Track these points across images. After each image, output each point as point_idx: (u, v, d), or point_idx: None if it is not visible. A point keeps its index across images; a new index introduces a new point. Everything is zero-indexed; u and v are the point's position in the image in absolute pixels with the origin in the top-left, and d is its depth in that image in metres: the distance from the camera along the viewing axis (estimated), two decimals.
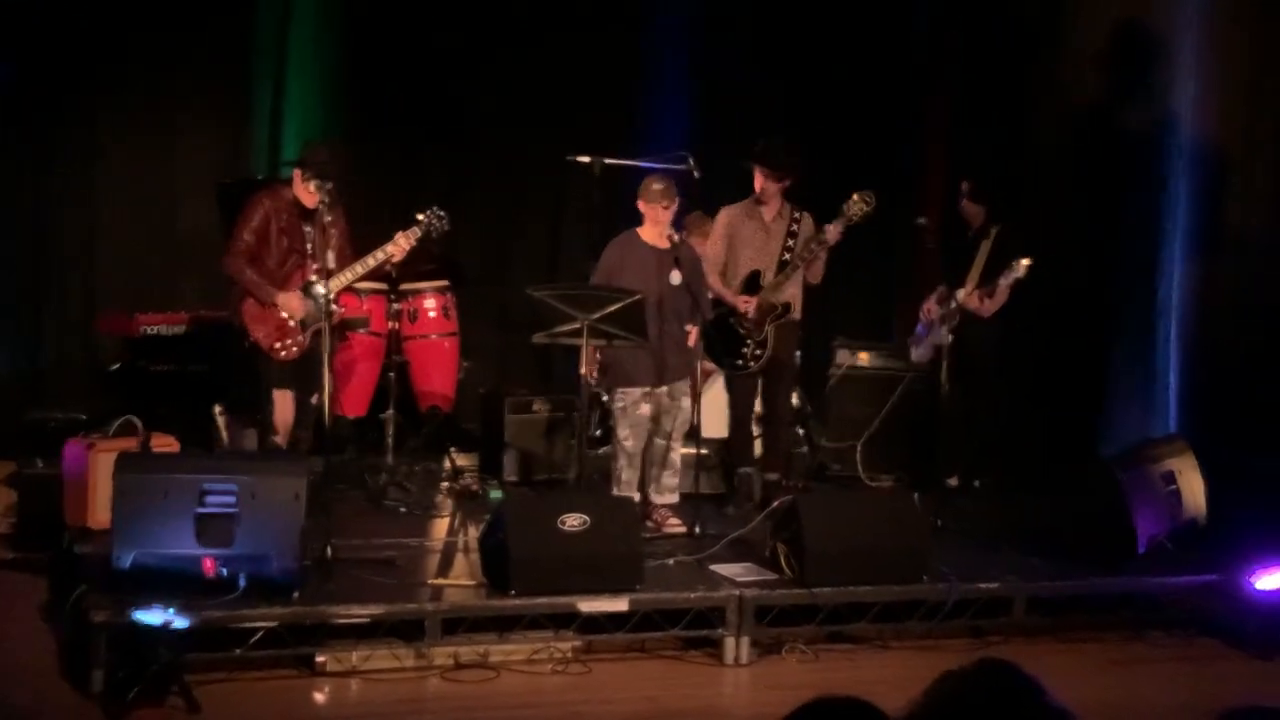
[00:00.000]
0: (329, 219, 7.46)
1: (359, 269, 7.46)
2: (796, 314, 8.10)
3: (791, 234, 8.04)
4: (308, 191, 7.36)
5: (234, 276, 7.52)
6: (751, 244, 8.07)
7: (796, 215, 8.08)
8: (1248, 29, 8.89)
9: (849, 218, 7.85)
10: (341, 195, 7.53)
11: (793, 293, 8.05)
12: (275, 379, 7.56)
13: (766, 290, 7.99)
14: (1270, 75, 8.80)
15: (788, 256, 8.01)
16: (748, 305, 7.98)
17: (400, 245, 7.51)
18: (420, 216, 7.60)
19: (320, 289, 7.37)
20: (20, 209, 9.67)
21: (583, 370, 7.25)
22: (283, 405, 7.60)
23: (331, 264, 7.29)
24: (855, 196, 7.83)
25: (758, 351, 8.01)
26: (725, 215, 8.17)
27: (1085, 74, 9.59)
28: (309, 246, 7.51)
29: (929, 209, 10.17)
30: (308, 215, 7.49)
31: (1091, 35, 9.56)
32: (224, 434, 8.11)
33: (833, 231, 7.86)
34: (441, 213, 7.63)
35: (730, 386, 8.24)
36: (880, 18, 11.01)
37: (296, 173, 7.49)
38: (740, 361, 8.05)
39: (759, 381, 8.24)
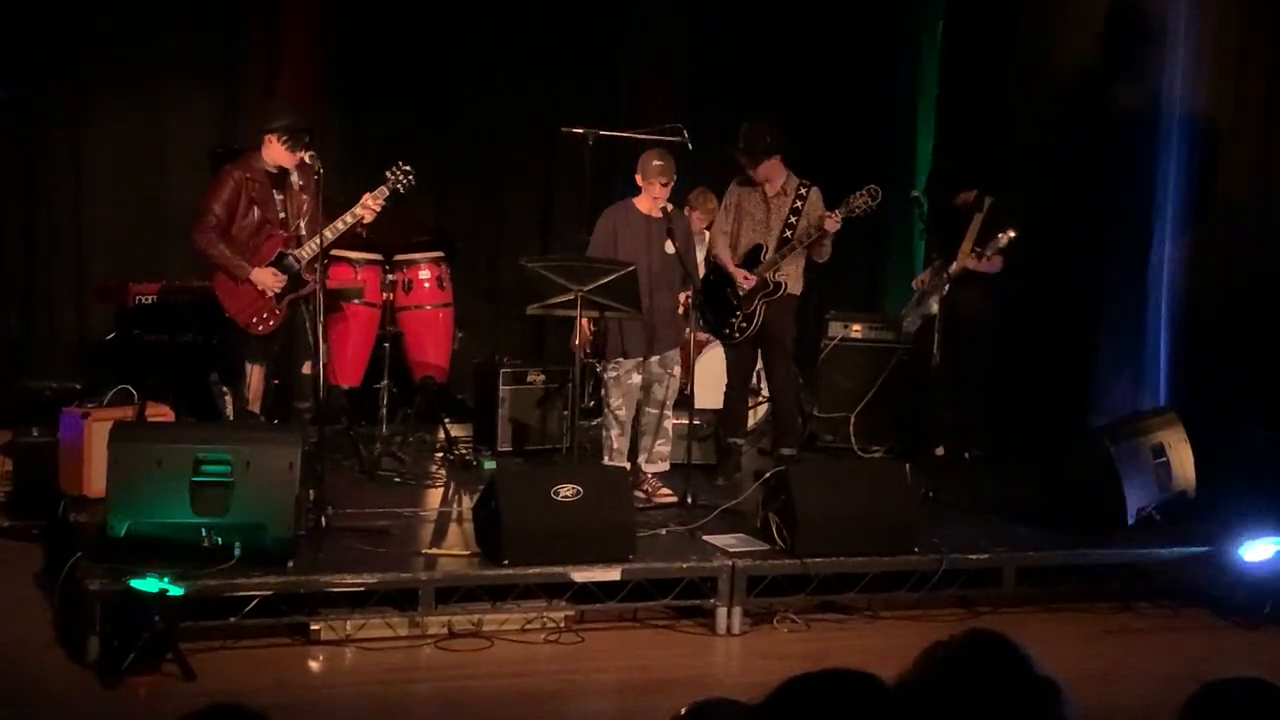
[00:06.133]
0: (299, 185, 7.43)
1: (329, 234, 7.29)
2: (795, 290, 8.08)
3: (795, 210, 7.99)
4: (285, 153, 7.30)
5: (205, 252, 7.45)
6: (752, 217, 8.07)
7: (803, 191, 7.99)
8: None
9: (851, 209, 7.81)
10: (325, 158, 7.49)
11: (790, 271, 8.03)
12: (248, 352, 7.57)
13: (762, 266, 7.99)
14: (1257, 44, 8.79)
15: (789, 234, 7.98)
16: (748, 281, 7.98)
17: (369, 207, 7.42)
18: (386, 174, 7.56)
19: (293, 260, 7.37)
20: (8, 179, 9.66)
21: (575, 344, 7.30)
22: (254, 378, 7.62)
23: (303, 231, 7.27)
24: (861, 192, 7.78)
25: (744, 324, 8.02)
26: (733, 187, 8.17)
27: (1075, 46, 9.58)
28: (281, 215, 7.48)
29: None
30: (278, 183, 7.46)
31: (1082, 6, 9.55)
32: (221, 403, 8.10)
33: (831, 221, 7.80)
34: (407, 168, 7.52)
35: (726, 356, 8.27)
36: None
37: (270, 138, 7.42)
38: (728, 331, 8.09)
39: (756, 355, 8.26)
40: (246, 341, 7.53)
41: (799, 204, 7.97)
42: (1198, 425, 7.57)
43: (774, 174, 8.02)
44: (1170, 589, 7.02)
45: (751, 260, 8.03)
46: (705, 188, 8.93)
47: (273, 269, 7.42)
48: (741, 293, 7.99)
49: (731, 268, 8.02)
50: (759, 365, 8.47)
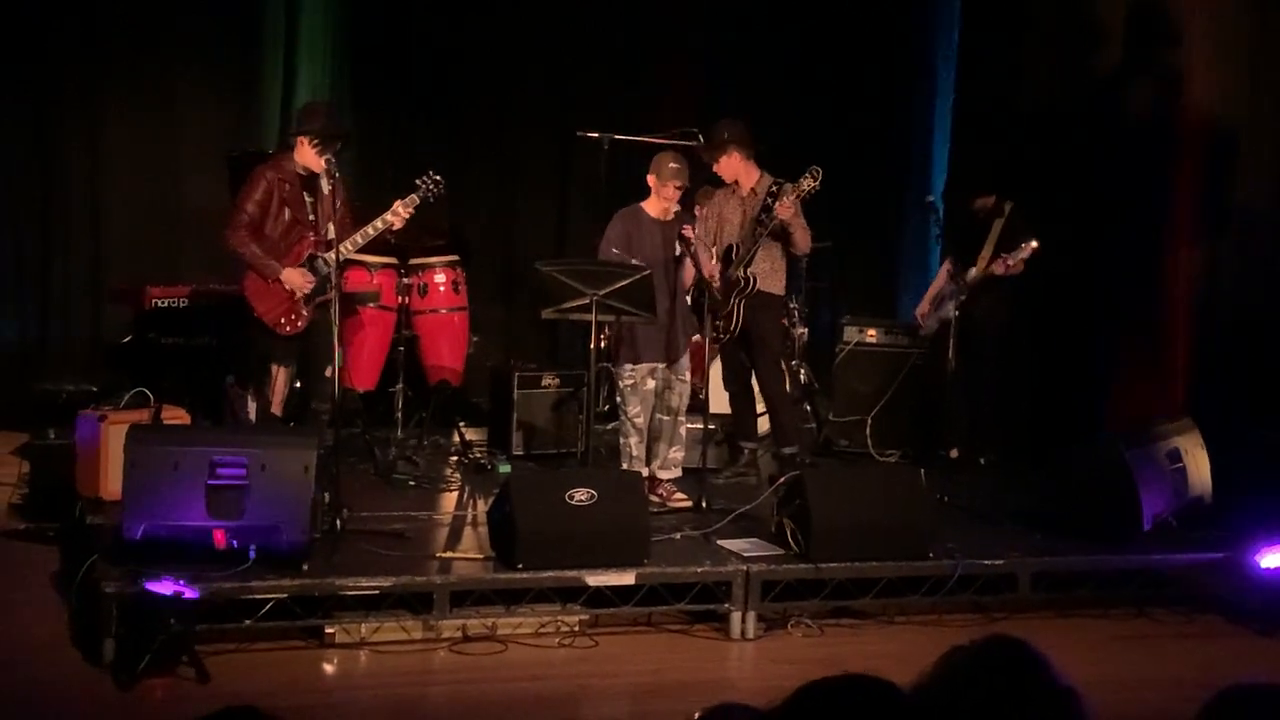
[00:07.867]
0: (329, 188, 7.46)
1: (359, 239, 7.41)
2: (774, 289, 8.03)
3: (767, 208, 7.91)
4: (316, 157, 7.35)
5: (236, 251, 7.48)
6: (731, 220, 8.06)
7: (774, 189, 7.91)
8: (1251, 2, 8.88)
9: (800, 193, 7.73)
10: (342, 162, 7.51)
11: (763, 267, 7.95)
12: (274, 353, 7.59)
13: (734, 265, 7.97)
14: (1272, 49, 8.78)
15: (760, 231, 7.96)
16: (713, 272, 7.94)
17: (399, 214, 7.48)
18: (417, 182, 7.59)
19: (323, 262, 7.40)
20: (25, 182, 9.71)
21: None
22: (280, 379, 7.64)
23: (332, 234, 7.30)
24: (805, 174, 7.70)
25: (724, 324, 7.97)
26: (709, 191, 8.21)
27: (1091, 51, 9.57)
28: (312, 217, 7.51)
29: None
30: (309, 185, 7.49)
31: (1098, 11, 9.53)
32: (240, 404, 8.12)
33: (782, 208, 7.74)
34: (437, 177, 7.58)
35: (721, 361, 8.25)
36: None
37: (303, 140, 7.46)
38: (715, 334, 8.04)
39: (745, 356, 8.23)
40: (273, 342, 7.55)
41: (770, 200, 7.91)
42: (1214, 431, 7.54)
43: (741, 173, 7.99)
44: (1186, 595, 6.99)
45: (726, 262, 8.01)
46: (710, 186, 8.94)
47: (303, 270, 7.45)
48: (714, 288, 7.96)
49: (706, 264, 8.01)
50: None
